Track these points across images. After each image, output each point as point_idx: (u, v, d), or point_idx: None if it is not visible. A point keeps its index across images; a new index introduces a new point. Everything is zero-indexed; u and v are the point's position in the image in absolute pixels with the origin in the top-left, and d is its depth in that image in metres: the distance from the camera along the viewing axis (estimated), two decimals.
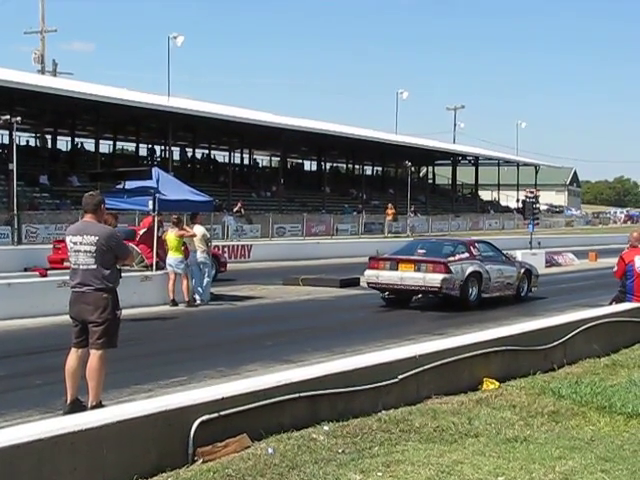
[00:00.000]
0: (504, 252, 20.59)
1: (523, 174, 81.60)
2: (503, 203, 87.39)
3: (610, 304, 14.05)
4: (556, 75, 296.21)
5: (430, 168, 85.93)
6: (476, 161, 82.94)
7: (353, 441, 6.73)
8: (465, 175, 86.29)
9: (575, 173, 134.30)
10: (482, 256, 18.85)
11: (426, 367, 8.46)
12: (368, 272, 18.58)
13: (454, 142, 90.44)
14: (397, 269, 17.98)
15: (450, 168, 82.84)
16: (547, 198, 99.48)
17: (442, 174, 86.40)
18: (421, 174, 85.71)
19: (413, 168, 70.36)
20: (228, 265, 24.17)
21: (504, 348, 9.69)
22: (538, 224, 39.86)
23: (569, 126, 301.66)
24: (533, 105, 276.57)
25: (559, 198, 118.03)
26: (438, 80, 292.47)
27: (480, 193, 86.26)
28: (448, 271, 17.54)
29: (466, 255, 18.42)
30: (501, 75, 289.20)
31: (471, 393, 8.73)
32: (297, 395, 7.03)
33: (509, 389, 9.00)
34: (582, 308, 15.63)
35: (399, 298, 18.58)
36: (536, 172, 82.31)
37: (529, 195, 36.50)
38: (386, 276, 18.09)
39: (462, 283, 17.79)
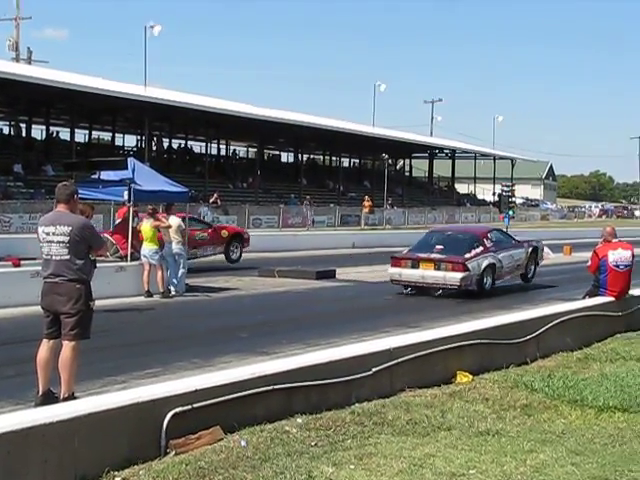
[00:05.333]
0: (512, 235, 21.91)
1: (500, 167, 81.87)
2: (479, 196, 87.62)
3: (584, 298, 14.15)
4: (534, 69, 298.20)
5: (407, 161, 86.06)
6: (453, 154, 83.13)
7: (326, 434, 6.75)
8: (442, 168, 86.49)
9: (551, 167, 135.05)
10: (495, 246, 19.92)
11: (400, 360, 8.50)
12: (391, 270, 19.65)
13: (431, 135, 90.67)
14: (418, 267, 19.08)
15: (427, 161, 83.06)
16: (523, 192, 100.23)
17: (419, 167, 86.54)
18: (398, 167, 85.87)
19: (390, 160, 70.47)
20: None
21: (478, 341, 9.75)
22: (514, 217, 40.08)
23: (546, 120, 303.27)
24: (510, 99, 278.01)
25: (535, 192, 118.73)
26: (416, 73, 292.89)
27: (457, 186, 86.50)
28: (466, 269, 18.67)
29: (481, 249, 19.38)
30: (479, 69, 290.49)
31: (445, 386, 8.79)
32: (271, 387, 7.05)
33: (482, 382, 9.05)
34: (556, 302, 15.71)
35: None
36: (512, 166, 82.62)
37: (505, 189, 36.77)
38: (408, 274, 19.26)
39: (479, 277, 18.96)
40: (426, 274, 18.90)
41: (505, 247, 20.37)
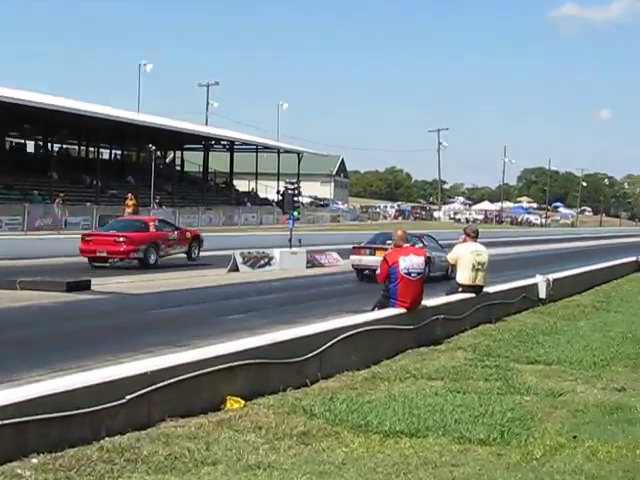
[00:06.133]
0: (438, 241, 30.52)
1: (285, 162, 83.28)
2: (262, 194, 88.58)
3: (372, 310, 14.54)
4: (320, 52, 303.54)
5: (178, 153, 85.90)
6: (231, 146, 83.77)
7: (67, 475, 6.59)
8: (219, 162, 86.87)
9: (343, 162, 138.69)
10: (429, 246, 27.47)
11: (160, 385, 8.41)
12: (352, 257, 28.84)
13: (207, 124, 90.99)
14: (375, 255, 26.30)
15: (202, 154, 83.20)
16: (311, 189, 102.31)
17: (193, 160, 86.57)
18: (168, 160, 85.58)
19: (159, 153, 70.16)
20: None
21: (251, 361, 9.81)
22: (299, 219, 40.65)
23: (336, 111, 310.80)
24: (297, 87, 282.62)
25: (325, 190, 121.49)
26: (188, 53, 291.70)
27: (236, 183, 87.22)
28: None
29: (420, 245, 25.43)
30: (261, 51, 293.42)
31: (212, 414, 8.77)
32: None
33: (255, 408, 9.12)
34: (342, 314, 16.10)
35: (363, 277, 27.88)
36: (299, 160, 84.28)
37: (289, 186, 37.24)
38: (367, 259, 27.61)
39: None
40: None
41: (435, 248, 28.72)
